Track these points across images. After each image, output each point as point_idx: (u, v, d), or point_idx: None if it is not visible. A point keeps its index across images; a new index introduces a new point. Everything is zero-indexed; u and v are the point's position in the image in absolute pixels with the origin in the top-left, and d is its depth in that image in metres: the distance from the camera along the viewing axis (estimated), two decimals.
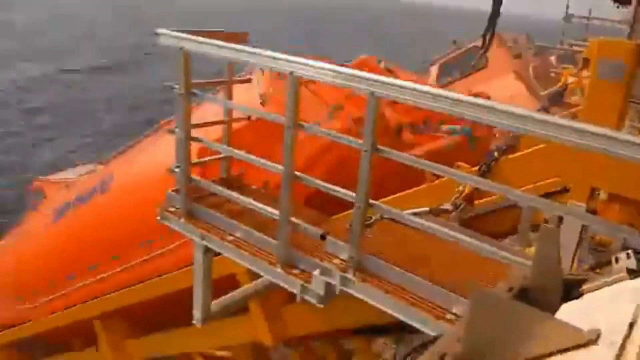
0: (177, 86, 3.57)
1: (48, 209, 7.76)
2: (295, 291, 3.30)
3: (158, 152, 6.17)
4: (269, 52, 3.15)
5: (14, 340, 8.81)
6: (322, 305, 3.25)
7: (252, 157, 3.53)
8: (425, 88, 2.63)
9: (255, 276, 3.94)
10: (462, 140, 6.27)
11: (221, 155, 4.07)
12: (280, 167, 3.22)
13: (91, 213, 6.54)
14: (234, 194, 3.59)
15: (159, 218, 3.90)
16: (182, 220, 3.79)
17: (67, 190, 7.64)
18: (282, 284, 3.37)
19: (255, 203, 3.47)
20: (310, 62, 2.99)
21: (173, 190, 3.83)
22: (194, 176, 3.81)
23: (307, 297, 3.26)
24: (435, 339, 2.64)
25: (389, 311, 2.98)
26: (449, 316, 2.81)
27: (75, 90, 47.20)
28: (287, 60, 3.05)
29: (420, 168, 2.88)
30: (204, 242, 3.67)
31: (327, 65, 2.93)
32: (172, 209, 3.86)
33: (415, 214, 3.28)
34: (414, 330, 2.92)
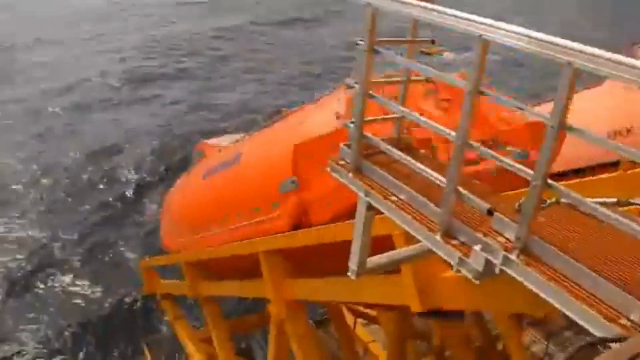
0: (361, 42, 3.59)
1: (203, 168, 9.94)
2: (452, 262, 3.20)
3: (266, 146, 7.90)
4: (460, 13, 2.99)
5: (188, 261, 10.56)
6: (477, 282, 3.13)
7: (427, 120, 3.46)
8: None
9: (411, 240, 3.93)
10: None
11: (395, 115, 4.05)
12: (454, 133, 3.12)
13: (225, 179, 8.52)
14: (404, 156, 3.57)
15: (329, 169, 4.05)
16: (351, 174, 3.88)
17: (218, 154, 9.72)
18: (439, 253, 3.30)
19: (424, 167, 3.42)
20: (503, 24, 2.79)
21: (345, 145, 3.93)
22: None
23: (463, 271, 3.15)
24: (602, 340, 2.40)
25: (551, 301, 2.76)
26: (624, 321, 2.51)
27: (258, 42, 50.63)
28: (477, 22, 2.88)
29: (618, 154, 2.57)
30: (368, 199, 3.73)
31: (520, 29, 2.70)
32: (342, 163, 3.97)
33: (599, 203, 2.96)
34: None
